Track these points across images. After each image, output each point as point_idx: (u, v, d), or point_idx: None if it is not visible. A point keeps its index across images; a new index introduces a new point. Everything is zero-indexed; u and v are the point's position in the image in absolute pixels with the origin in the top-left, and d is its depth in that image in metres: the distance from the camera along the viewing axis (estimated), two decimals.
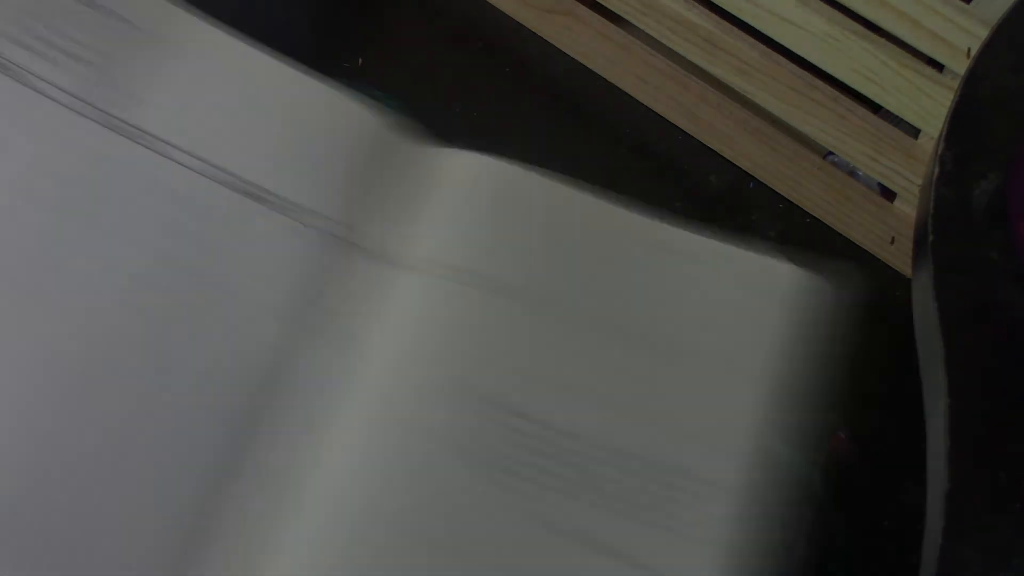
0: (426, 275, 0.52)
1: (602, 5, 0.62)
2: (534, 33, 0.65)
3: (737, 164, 0.61)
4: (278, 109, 0.53)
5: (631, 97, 0.63)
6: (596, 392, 0.51)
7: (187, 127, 0.52)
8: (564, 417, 0.50)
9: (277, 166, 0.52)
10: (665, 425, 0.51)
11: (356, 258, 0.52)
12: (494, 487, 0.49)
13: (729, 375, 0.52)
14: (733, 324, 0.53)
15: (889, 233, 0.58)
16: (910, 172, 0.55)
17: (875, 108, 0.55)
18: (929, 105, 0.52)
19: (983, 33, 0.48)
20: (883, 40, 0.52)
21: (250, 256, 0.51)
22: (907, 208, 0.56)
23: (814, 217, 0.60)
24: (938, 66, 0.51)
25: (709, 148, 0.62)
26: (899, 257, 0.58)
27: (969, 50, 0.49)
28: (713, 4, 0.57)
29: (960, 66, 0.49)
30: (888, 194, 0.58)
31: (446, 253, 0.52)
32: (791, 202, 0.60)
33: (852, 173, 0.59)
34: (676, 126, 0.62)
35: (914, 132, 0.55)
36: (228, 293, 0.50)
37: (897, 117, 0.54)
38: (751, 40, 0.57)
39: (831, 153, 0.59)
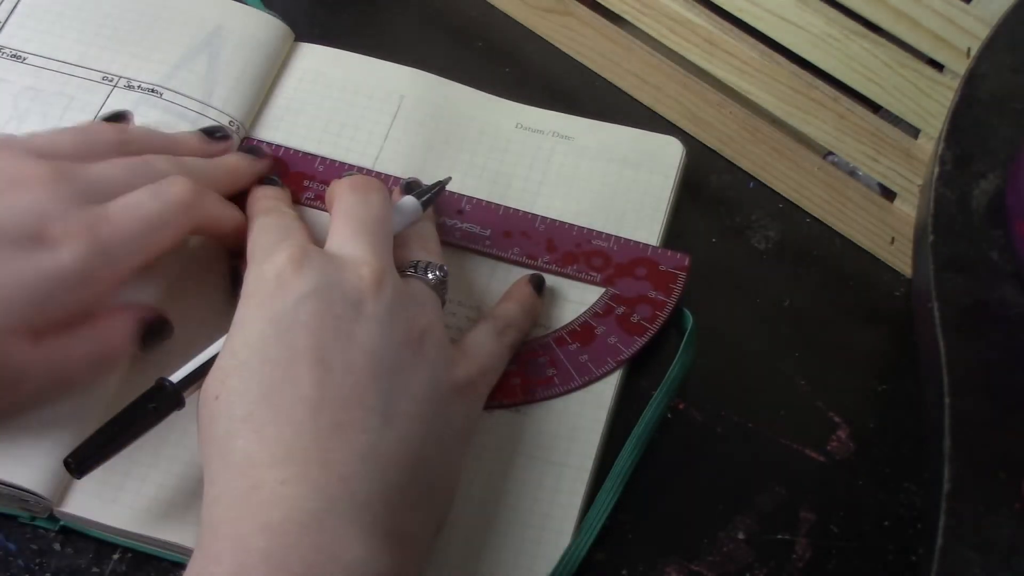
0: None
1: (602, 5, 0.62)
2: (534, 33, 0.65)
3: (737, 164, 0.61)
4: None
5: (631, 97, 0.63)
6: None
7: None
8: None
9: (167, 68, 0.60)
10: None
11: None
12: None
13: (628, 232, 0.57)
14: (622, 190, 0.58)
15: (889, 233, 0.58)
16: (910, 172, 0.55)
17: (875, 108, 0.55)
18: (929, 105, 0.52)
19: (983, 33, 0.48)
20: (883, 40, 0.52)
21: None
22: (907, 208, 0.56)
23: (814, 217, 0.60)
24: (938, 66, 0.51)
25: (709, 148, 0.62)
26: (899, 257, 0.58)
27: (969, 50, 0.49)
28: (713, 4, 0.57)
29: (960, 66, 0.49)
30: (888, 194, 0.58)
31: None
32: (791, 202, 0.60)
33: (852, 173, 0.59)
34: (676, 126, 0.62)
35: (914, 132, 0.55)
36: None
37: (897, 117, 0.54)
38: (751, 40, 0.57)
39: (831, 153, 0.59)
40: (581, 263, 0.56)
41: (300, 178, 0.57)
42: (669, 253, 0.56)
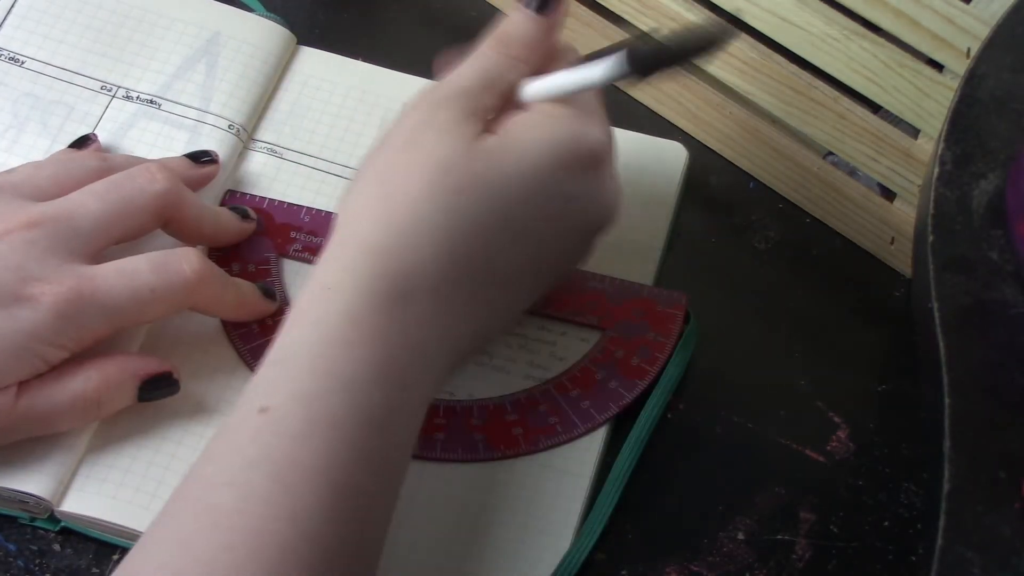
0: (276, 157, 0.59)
1: (602, 5, 0.62)
2: None
3: (737, 164, 0.61)
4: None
5: (631, 97, 0.63)
6: None
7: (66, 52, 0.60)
8: None
9: (165, 78, 0.60)
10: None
11: (227, 141, 0.58)
12: None
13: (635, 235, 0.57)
14: (627, 193, 0.56)
15: (889, 233, 0.58)
16: (910, 172, 0.55)
17: (875, 108, 0.55)
18: (929, 105, 0.52)
19: (983, 33, 0.48)
20: (883, 40, 0.52)
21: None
22: (907, 208, 0.56)
23: (814, 217, 0.60)
24: (938, 66, 0.51)
25: (709, 148, 0.62)
26: (899, 257, 0.58)
27: (969, 50, 0.49)
28: (713, 4, 0.57)
29: (960, 66, 0.49)
30: (888, 194, 0.58)
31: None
32: (791, 202, 0.60)
33: (852, 173, 0.59)
34: (676, 126, 0.62)
35: (914, 132, 0.55)
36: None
37: (897, 117, 0.54)
38: (751, 40, 0.57)
39: (831, 153, 0.59)
40: (577, 307, 0.55)
41: (287, 229, 0.56)
42: (666, 293, 0.55)
